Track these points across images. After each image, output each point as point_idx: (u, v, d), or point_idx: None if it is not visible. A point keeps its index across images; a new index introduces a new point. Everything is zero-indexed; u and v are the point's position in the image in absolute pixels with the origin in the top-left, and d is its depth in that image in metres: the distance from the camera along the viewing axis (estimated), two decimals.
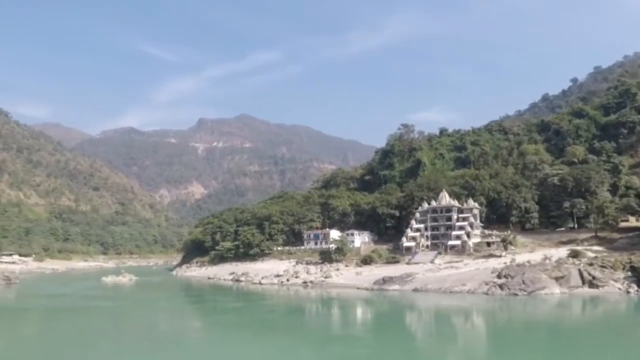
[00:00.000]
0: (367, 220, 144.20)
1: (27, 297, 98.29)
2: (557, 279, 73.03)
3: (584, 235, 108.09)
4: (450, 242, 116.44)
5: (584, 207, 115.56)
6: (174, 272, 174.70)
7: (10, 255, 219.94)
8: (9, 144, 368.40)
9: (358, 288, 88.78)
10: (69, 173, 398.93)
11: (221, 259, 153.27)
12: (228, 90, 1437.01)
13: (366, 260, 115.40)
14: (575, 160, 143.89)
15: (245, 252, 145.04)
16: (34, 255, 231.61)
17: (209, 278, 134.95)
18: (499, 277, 76.70)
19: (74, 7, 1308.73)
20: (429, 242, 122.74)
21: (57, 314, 72.53)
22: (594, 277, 71.78)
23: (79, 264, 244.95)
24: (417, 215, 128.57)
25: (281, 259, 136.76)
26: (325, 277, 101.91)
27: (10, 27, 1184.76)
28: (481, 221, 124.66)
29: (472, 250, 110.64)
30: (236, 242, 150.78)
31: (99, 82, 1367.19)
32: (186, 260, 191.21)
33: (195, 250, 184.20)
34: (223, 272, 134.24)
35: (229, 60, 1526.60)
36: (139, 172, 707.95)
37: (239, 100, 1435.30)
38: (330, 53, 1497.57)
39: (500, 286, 73.03)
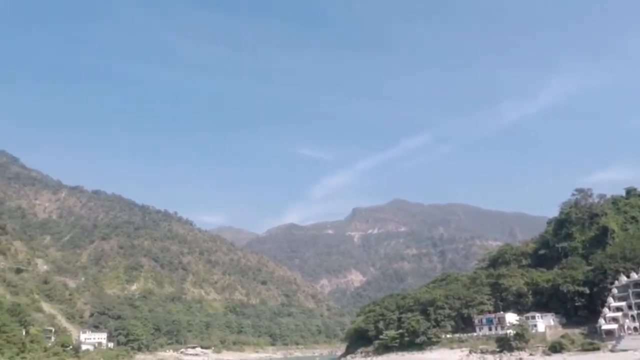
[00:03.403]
0: (549, 301, 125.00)
1: None
2: None
3: None
4: None
5: None
6: None
7: (194, 347, 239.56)
8: (193, 248, 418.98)
9: None
10: (240, 270, 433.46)
11: (386, 348, 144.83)
12: (380, 178, 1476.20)
13: (555, 348, 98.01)
14: None
15: (411, 341, 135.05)
16: (213, 348, 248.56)
17: None
18: None
19: (237, 125, 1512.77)
20: (636, 324, 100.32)
21: None
22: None
23: (251, 355, 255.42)
24: (615, 291, 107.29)
25: (452, 348, 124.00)
26: None
27: (192, 149, 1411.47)
28: None
29: None
30: (400, 330, 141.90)
31: (263, 186, 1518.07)
32: (350, 350, 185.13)
33: (358, 340, 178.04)
34: None
35: (379, 150, 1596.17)
36: (300, 264, 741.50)
37: (391, 186, 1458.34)
38: (482, 127, 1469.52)
39: None
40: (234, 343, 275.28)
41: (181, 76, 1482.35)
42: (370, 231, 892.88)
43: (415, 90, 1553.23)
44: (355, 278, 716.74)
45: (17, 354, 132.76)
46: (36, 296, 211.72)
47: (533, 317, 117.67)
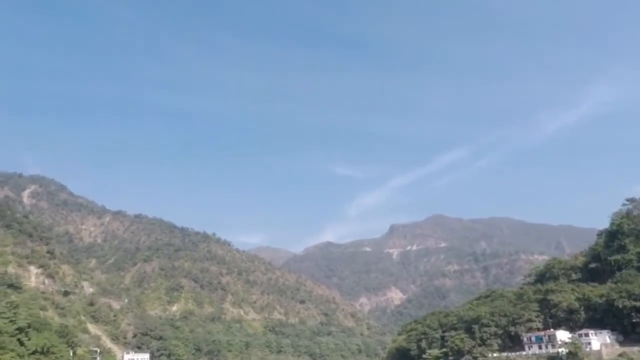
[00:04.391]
0: (603, 317, 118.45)
1: None
2: None
3: None
4: None
5: None
6: None
7: None
8: (231, 268, 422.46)
9: None
10: (278, 289, 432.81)
11: None
12: (417, 194, 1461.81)
13: None
14: None
15: None
16: None
17: None
18: None
19: (273, 147, 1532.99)
20: None
21: None
22: None
23: None
24: None
25: None
26: None
27: (229, 172, 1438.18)
28: None
29: None
30: (444, 349, 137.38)
31: (300, 205, 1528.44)
32: None
33: (400, 359, 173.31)
34: None
35: (415, 166, 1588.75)
36: (338, 282, 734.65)
37: (429, 202, 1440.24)
38: (519, 139, 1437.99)
39: None
40: None
41: (217, 102, 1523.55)
42: (409, 247, 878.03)
43: (451, 106, 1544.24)
44: (395, 296, 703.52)
45: None
46: (82, 317, 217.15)
47: (587, 335, 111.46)
